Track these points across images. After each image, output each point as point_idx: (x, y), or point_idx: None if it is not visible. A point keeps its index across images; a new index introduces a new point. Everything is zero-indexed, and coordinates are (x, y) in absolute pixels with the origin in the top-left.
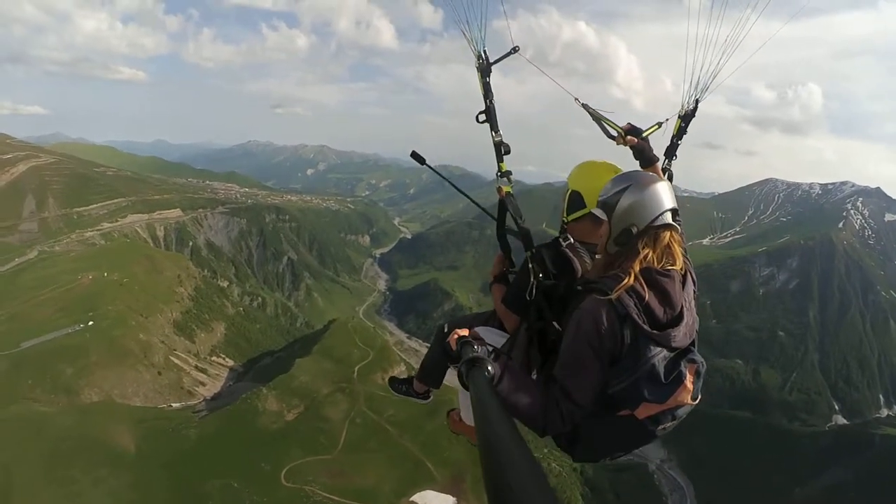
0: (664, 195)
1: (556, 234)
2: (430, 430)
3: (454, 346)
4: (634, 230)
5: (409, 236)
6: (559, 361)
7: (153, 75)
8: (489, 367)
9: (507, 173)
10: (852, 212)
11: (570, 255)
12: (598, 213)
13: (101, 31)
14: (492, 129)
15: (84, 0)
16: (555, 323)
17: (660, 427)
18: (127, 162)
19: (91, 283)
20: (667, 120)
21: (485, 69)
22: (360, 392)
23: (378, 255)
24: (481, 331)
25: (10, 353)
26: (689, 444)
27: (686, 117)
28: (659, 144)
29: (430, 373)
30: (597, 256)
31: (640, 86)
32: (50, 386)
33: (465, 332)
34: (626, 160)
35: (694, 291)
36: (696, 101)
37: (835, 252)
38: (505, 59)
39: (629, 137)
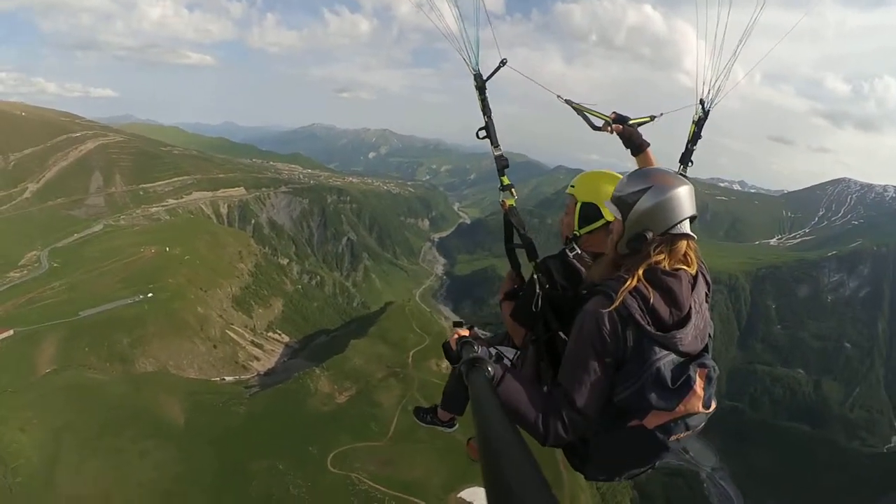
0: (686, 201)
1: None
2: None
3: (454, 347)
4: (649, 235)
5: (468, 222)
6: (562, 366)
7: (220, 60)
8: (489, 368)
9: (509, 186)
10: None
11: (578, 265)
12: (612, 208)
13: (167, 18)
14: (492, 145)
15: None
16: (562, 333)
17: (672, 437)
18: (194, 142)
19: (153, 257)
20: (661, 114)
21: (481, 86)
22: (413, 378)
23: (436, 240)
24: (500, 349)
25: (69, 322)
26: (742, 455)
27: (699, 122)
28: (675, 150)
29: (453, 400)
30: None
31: (710, 75)
32: (106, 354)
33: (465, 332)
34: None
35: (707, 294)
36: (703, 104)
37: None
38: (568, 43)
39: (615, 125)
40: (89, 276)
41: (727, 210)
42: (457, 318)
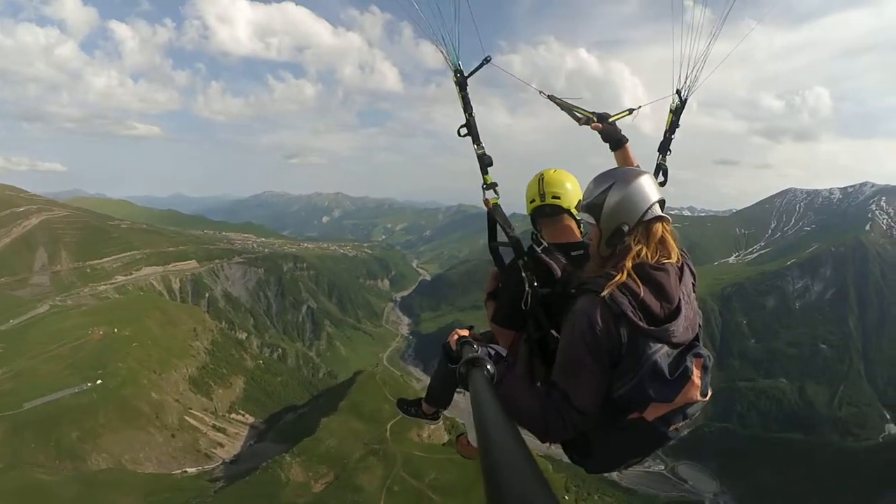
0: (649, 187)
1: None
2: (480, 494)
3: (454, 347)
4: (626, 228)
5: (428, 278)
6: (557, 366)
7: (168, 130)
8: (489, 367)
9: (493, 185)
10: (877, 212)
11: (547, 258)
12: (586, 216)
13: (113, 88)
14: (473, 142)
15: (92, 58)
16: (553, 332)
17: (671, 427)
18: (144, 215)
19: (101, 339)
20: (639, 107)
21: (462, 82)
22: (395, 454)
23: (398, 299)
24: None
25: (13, 414)
26: (742, 474)
27: (677, 111)
28: (652, 141)
29: (438, 394)
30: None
31: (647, 109)
32: (54, 451)
33: (465, 332)
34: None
35: (693, 283)
36: (679, 94)
37: (867, 255)
38: (511, 94)
39: (595, 124)
40: (34, 363)
41: (682, 236)
42: (429, 379)
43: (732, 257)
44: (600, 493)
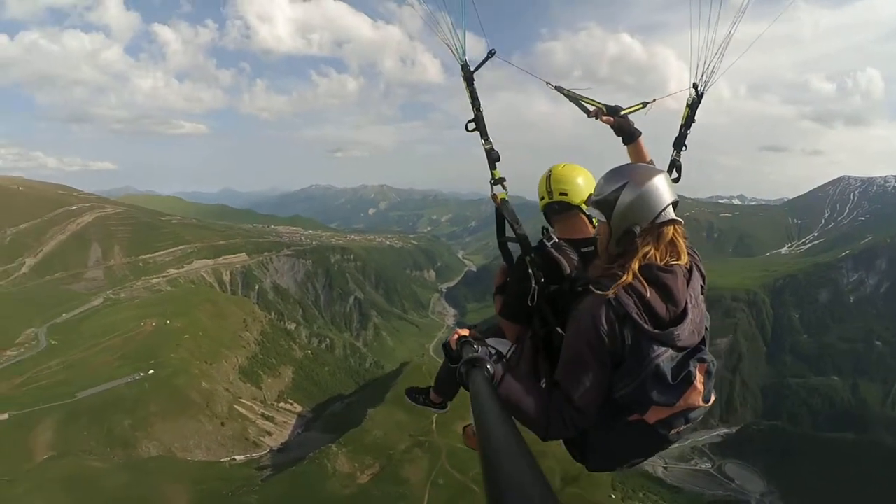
0: (664, 189)
1: None
2: None
3: (454, 347)
4: (637, 229)
5: (474, 269)
6: (560, 365)
7: (214, 128)
8: (489, 367)
9: (501, 179)
10: None
11: (557, 254)
12: (594, 212)
13: (159, 89)
14: (481, 137)
15: (137, 61)
16: (559, 329)
17: (672, 431)
18: (193, 210)
19: (153, 331)
20: (653, 100)
21: (468, 77)
22: (440, 447)
23: (444, 290)
24: (492, 342)
25: (67, 403)
26: (790, 474)
27: (693, 105)
28: (668, 134)
29: (444, 385)
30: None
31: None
32: (106, 438)
33: (465, 332)
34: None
35: (702, 286)
36: (696, 87)
37: None
38: (553, 81)
39: (605, 117)
40: (88, 354)
41: (732, 226)
42: None
43: (785, 248)
44: (645, 491)
